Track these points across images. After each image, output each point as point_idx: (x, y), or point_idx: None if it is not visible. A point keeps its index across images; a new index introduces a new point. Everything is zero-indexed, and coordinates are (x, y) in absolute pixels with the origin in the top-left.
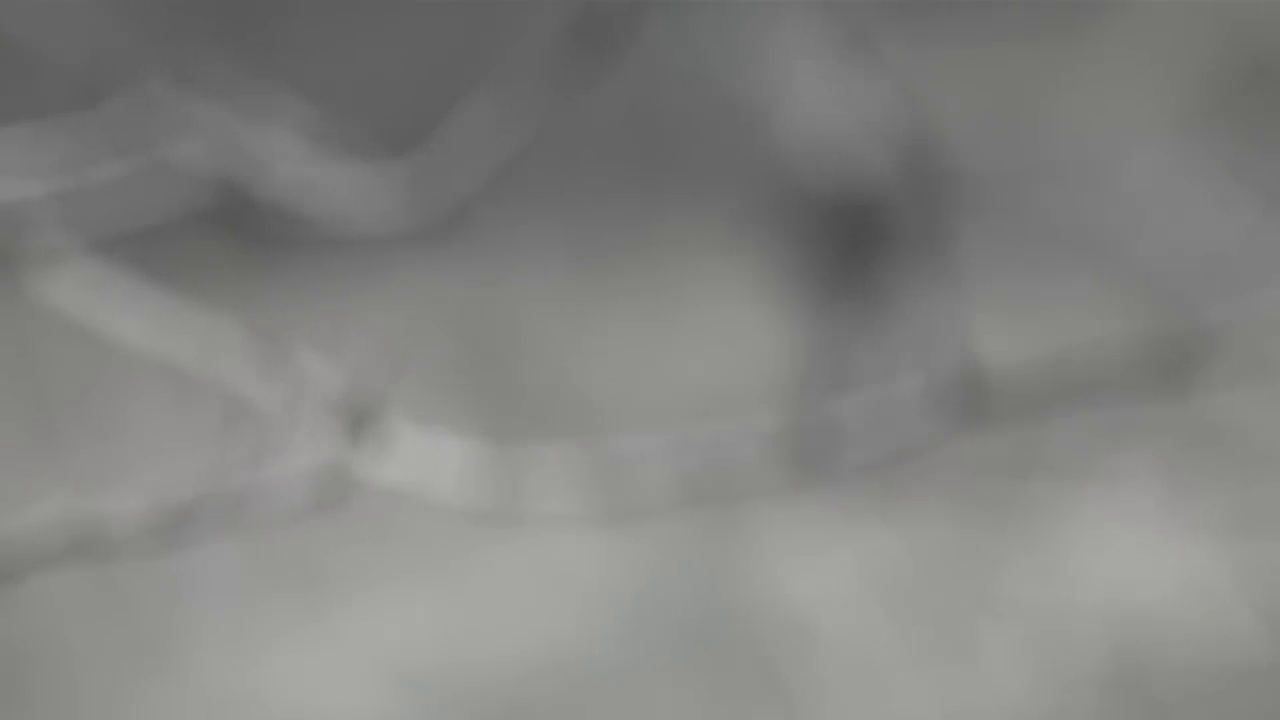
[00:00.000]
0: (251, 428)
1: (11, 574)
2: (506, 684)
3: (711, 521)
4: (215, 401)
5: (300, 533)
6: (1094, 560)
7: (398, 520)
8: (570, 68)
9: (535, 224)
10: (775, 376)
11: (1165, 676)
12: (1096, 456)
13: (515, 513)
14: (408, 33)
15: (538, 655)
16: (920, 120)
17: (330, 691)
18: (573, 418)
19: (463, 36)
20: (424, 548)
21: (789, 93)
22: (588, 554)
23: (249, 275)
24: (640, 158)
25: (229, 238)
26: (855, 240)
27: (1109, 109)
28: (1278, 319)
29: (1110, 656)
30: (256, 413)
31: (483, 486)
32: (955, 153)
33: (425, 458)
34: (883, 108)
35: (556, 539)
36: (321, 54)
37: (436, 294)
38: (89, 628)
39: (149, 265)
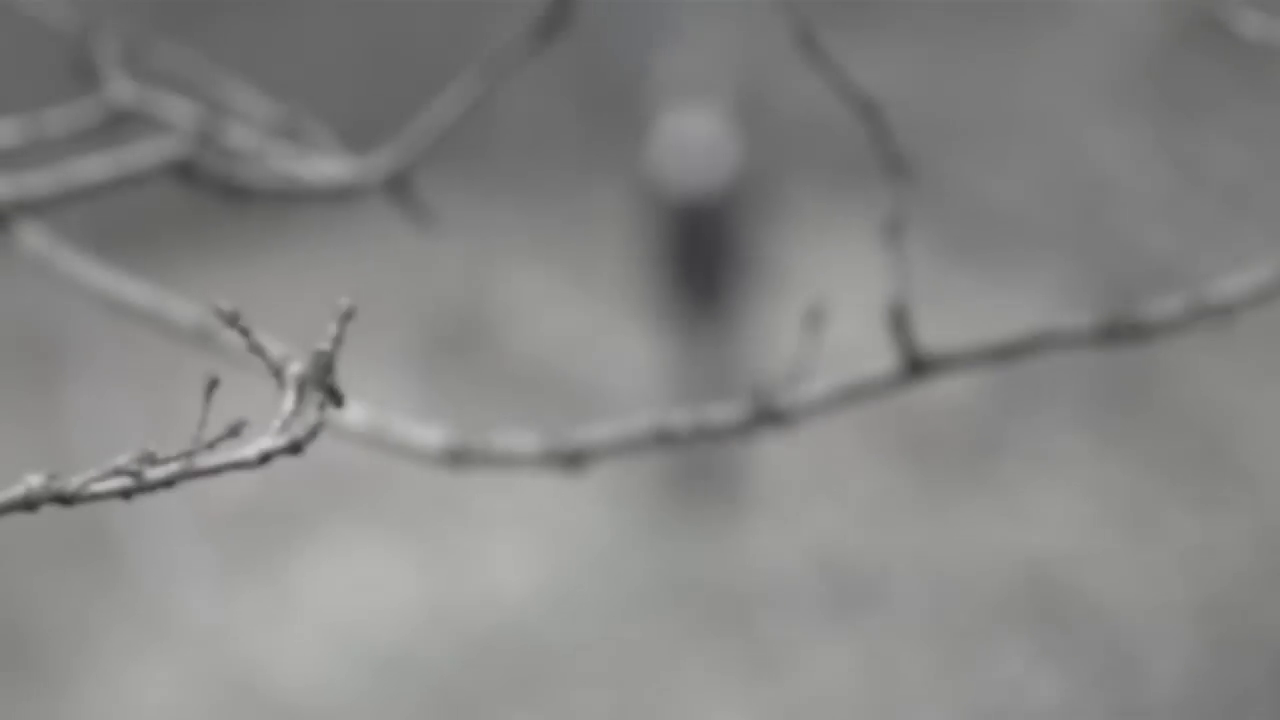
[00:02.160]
0: (214, 381)
1: None
2: (481, 622)
3: (677, 466)
4: (178, 357)
5: (262, 482)
6: (1021, 521)
7: (357, 470)
8: (524, 47)
9: (493, 199)
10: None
11: (1079, 615)
12: (1040, 435)
13: (474, 460)
14: (361, 26)
15: (504, 594)
16: (869, 111)
17: (299, 635)
18: (528, 367)
19: (418, 28)
20: (385, 499)
21: (668, 99)
22: (552, 503)
23: (209, 245)
24: (581, 147)
25: (194, 214)
26: (697, 242)
27: (1052, 95)
28: (1217, 297)
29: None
30: (219, 367)
31: (442, 436)
32: (901, 140)
33: (383, 408)
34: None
35: (522, 488)
36: (278, 48)
37: (395, 255)
38: (78, 597)
39: (123, 232)
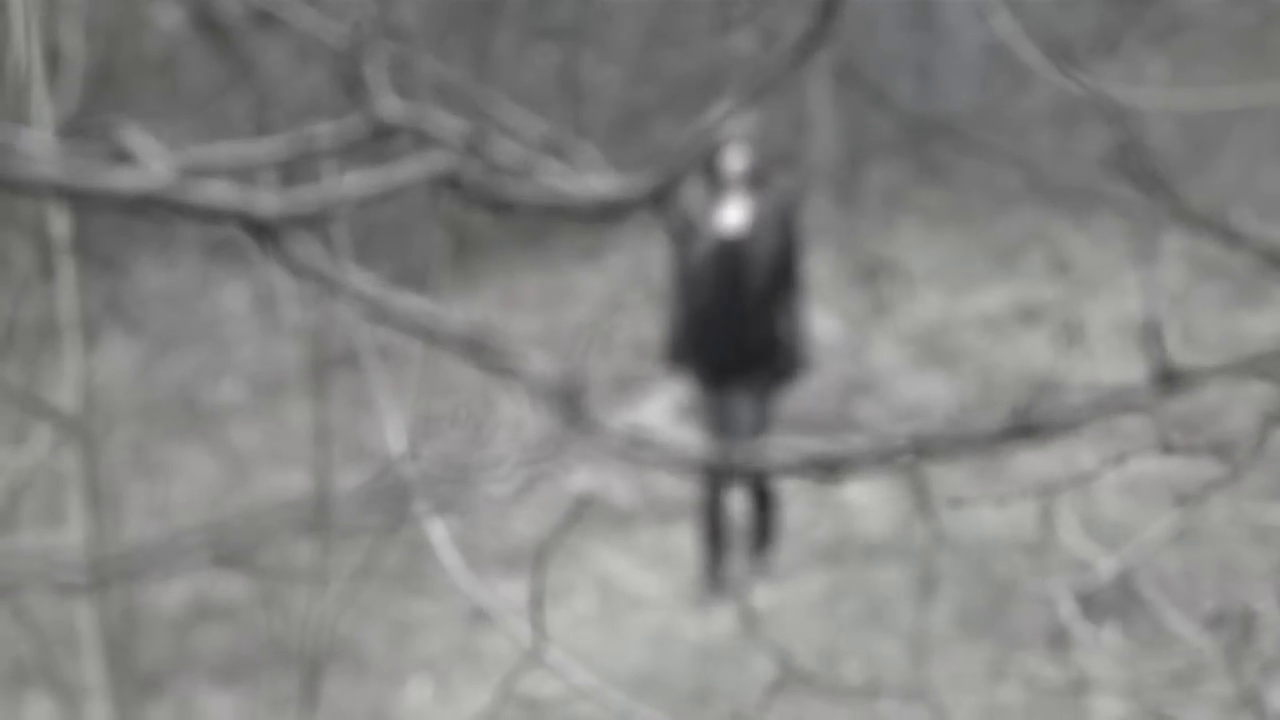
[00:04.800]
0: (469, 404)
1: (255, 543)
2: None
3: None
4: (437, 379)
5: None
6: None
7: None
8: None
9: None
10: None
11: None
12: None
13: (730, 476)
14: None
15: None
16: (1120, 122)
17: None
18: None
19: (663, 48)
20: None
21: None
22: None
23: (466, 256)
24: None
25: (456, 222)
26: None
27: None
28: None
29: None
30: (474, 389)
31: (699, 446)
32: (1158, 158)
33: (646, 419)
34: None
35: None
36: (532, 65)
37: (642, 267)
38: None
39: (385, 244)
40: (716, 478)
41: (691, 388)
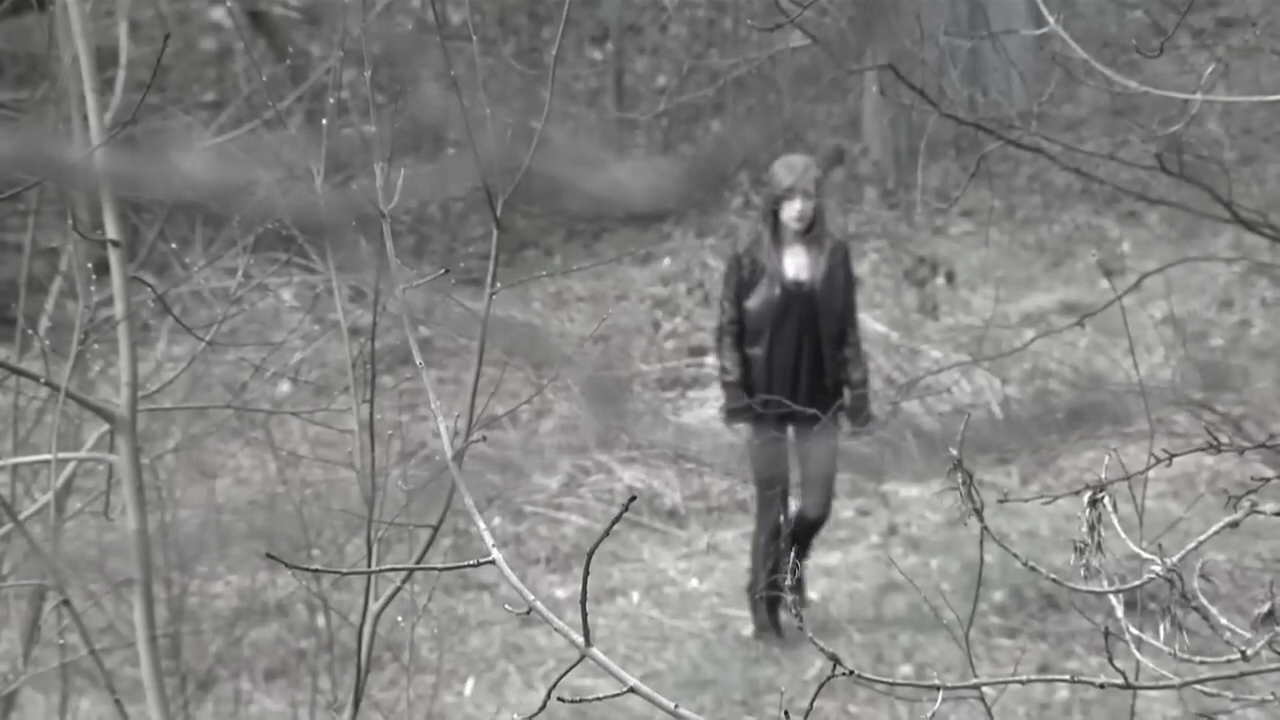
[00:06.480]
0: (520, 403)
1: (304, 537)
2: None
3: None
4: (489, 377)
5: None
6: None
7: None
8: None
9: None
10: None
11: None
12: None
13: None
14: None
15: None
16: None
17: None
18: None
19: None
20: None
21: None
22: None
23: (518, 256)
24: None
25: (512, 225)
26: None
27: None
28: None
29: None
30: (525, 388)
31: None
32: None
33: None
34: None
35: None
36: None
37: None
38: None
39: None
40: (773, 517)
41: (752, 434)
